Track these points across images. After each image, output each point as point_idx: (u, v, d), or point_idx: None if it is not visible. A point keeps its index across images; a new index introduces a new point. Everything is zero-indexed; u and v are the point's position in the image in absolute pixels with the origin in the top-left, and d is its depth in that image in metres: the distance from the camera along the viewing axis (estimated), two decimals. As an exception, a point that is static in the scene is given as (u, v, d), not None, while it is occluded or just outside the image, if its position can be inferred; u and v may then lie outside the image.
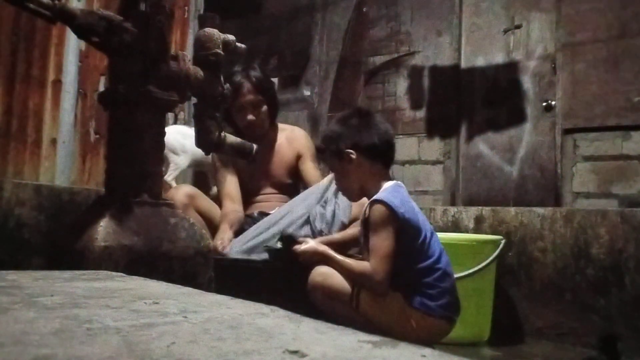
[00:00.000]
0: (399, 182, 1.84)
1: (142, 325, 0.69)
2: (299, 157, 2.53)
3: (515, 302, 2.61)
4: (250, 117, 2.41)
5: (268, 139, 2.50)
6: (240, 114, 2.43)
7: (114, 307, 0.82)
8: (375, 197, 1.71)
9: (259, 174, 2.48)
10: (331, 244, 1.91)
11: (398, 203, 1.69)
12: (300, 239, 1.89)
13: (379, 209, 1.68)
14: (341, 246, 1.94)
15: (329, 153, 1.86)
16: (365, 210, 1.75)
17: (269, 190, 2.50)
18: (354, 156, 1.78)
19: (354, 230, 2.02)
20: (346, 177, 1.83)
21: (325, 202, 2.15)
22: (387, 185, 1.77)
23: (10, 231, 2.19)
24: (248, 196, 2.47)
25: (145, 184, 1.61)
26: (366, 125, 1.83)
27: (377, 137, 1.80)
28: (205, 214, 2.34)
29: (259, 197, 2.49)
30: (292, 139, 2.55)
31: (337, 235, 2.05)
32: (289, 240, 1.90)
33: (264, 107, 2.44)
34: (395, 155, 1.93)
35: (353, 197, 1.91)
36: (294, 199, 2.27)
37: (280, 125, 2.61)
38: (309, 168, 2.50)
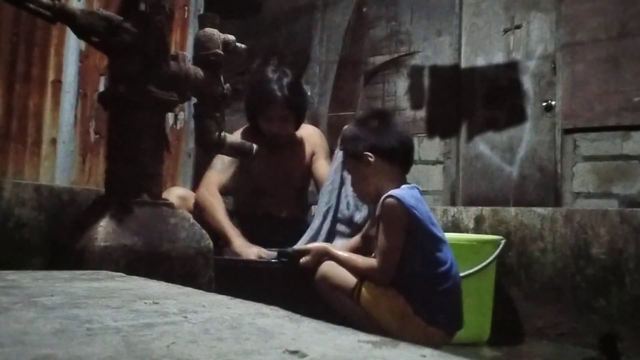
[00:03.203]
0: (415, 185, 1.83)
1: (142, 325, 0.69)
2: (312, 156, 2.50)
3: (515, 302, 2.61)
4: (277, 129, 2.38)
5: (286, 141, 2.48)
6: (268, 124, 2.38)
7: (114, 307, 0.82)
8: (389, 192, 1.70)
9: (272, 174, 2.46)
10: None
11: (412, 202, 1.68)
12: (301, 249, 1.89)
13: (390, 203, 1.68)
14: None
15: (346, 154, 1.86)
16: (378, 207, 1.76)
17: (278, 191, 2.48)
18: (372, 159, 1.77)
19: (353, 240, 2.02)
20: (363, 179, 1.81)
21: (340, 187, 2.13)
22: (403, 186, 1.77)
23: (10, 231, 2.19)
24: (257, 194, 2.46)
25: (145, 184, 1.61)
26: (385, 128, 1.82)
27: (396, 140, 1.80)
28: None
29: (267, 198, 2.47)
30: (307, 138, 2.53)
31: (339, 247, 2.04)
32: (291, 256, 1.89)
33: (291, 120, 2.41)
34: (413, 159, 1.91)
35: (368, 199, 1.89)
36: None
37: None
38: (321, 166, 2.46)
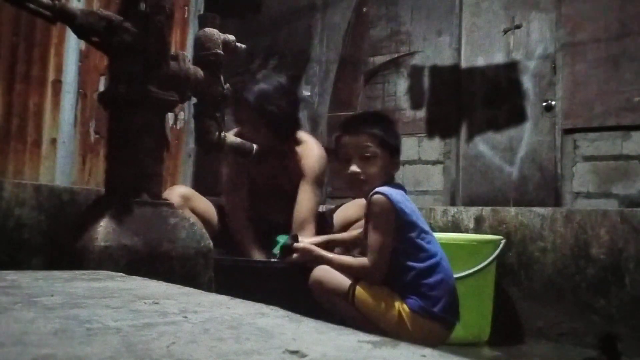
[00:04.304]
0: (400, 183, 1.89)
1: (142, 325, 0.69)
2: (302, 176, 2.34)
3: (515, 302, 2.61)
4: (248, 134, 2.22)
5: (278, 150, 2.36)
6: (241, 126, 2.32)
7: (114, 307, 0.82)
8: (375, 189, 1.72)
9: (264, 181, 2.44)
10: (332, 243, 1.94)
11: (398, 198, 1.71)
12: (296, 246, 1.90)
13: (378, 199, 1.71)
14: (342, 246, 1.96)
15: (379, 145, 1.80)
16: (365, 205, 1.78)
17: (272, 196, 2.46)
18: (399, 161, 1.90)
19: (356, 231, 2.03)
20: (380, 174, 1.81)
21: None
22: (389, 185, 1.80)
23: (10, 231, 2.18)
24: (253, 198, 2.45)
25: (145, 184, 1.61)
26: (397, 130, 1.96)
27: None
28: (201, 215, 2.31)
29: (262, 202, 2.46)
30: (303, 154, 2.37)
31: (338, 236, 2.07)
32: (286, 249, 1.92)
33: (263, 127, 2.25)
34: None
35: (365, 193, 1.82)
36: None
37: (302, 136, 2.41)
38: (305, 192, 2.31)
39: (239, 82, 2.37)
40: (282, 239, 2.04)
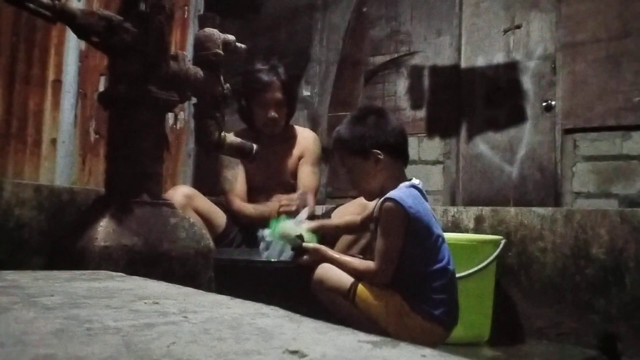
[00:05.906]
0: (415, 181, 1.80)
1: (142, 325, 0.69)
2: (300, 158, 2.54)
3: (515, 302, 2.61)
4: (273, 114, 2.45)
5: (280, 139, 2.53)
6: (263, 110, 2.46)
7: (114, 307, 0.82)
8: (387, 195, 1.70)
9: (264, 173, 2.50)
10: (323, 228, 1.97)
11: (410, 202, 1.68)
12: (305, 246, 1.89)
13: (389, 207, 1.67)
14: (337, 231, 1.99)
15: (349, 154, 1.80)
16: (376, 208, 1.76)
17: (270, 189, 2.50)
18: (381, 156, 1.75)
19: (352, 217, 2.03)
20: (369, 178, 1.79)
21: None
22: (402, 185, 1.76)
23: (10, 231, 2.18)
24: (251, 193, 2.50)
25: (145, 184, 1.61)
26: (385, 123, 1.80)
27: (397, 134, 1.79)
28: (204, 215, 2.34)
29: (261, 196, 2.49)
30: (299, 140, 2.58)
31: (330, 221, 2.09)
32: (297, 249, 1.91)
33: (285, 107, 2.50)
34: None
35: (373, 197, 1.85)
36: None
37: (291, 125, 2.64)
38: (306, 171, 2.51)
39: (250, 71, 2.50)
40: (273, 225, 2.03)
